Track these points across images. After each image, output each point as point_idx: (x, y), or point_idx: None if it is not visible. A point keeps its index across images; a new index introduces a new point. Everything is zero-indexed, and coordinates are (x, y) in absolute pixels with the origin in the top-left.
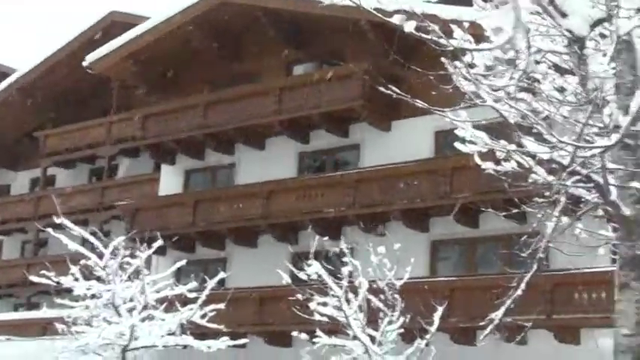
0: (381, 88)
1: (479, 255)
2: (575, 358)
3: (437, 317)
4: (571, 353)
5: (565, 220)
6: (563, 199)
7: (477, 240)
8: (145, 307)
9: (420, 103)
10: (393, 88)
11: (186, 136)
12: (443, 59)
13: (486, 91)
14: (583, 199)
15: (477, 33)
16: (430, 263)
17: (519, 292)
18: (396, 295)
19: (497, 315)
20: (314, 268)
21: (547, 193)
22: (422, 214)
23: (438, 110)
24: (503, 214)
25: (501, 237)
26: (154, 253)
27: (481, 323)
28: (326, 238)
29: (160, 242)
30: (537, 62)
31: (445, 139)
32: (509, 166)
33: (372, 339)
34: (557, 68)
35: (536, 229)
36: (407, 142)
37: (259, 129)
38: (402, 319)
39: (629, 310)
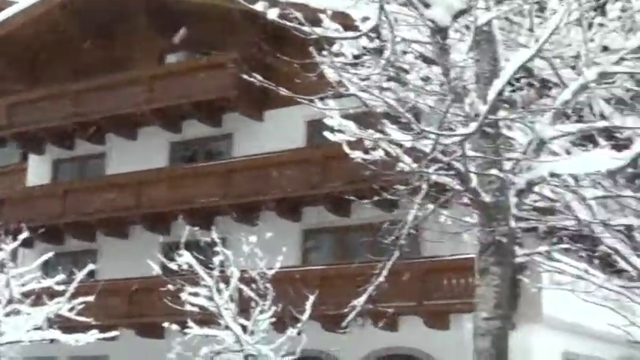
0: (248, 77)
1: (350, 243)
2: (444, 343)
3: (308, 306)
4: (439, 338)
5: (430, 207)
6: (425, 186)
7: (348, 229)
8: (10, 302)
9: (285, 92)
10: (259, 77)
11: (55, 125)
12: (311, 48)
13: (351, 80)
14: (448, 187)
15: (348, 23)
16: (302, 252)
17: (382, 278)
18: (268, 285)
19: (359, 302)
20: (185, 259)
21: (411, 181)
22: (294, 203)
23: (304, 99)
24: (366, 201)
25: (372, 225)
26: (20, 245)
27: (345, 310)
28: (197, 228)
29: (26, 234)
30: (405, 52)
31: (316, 128)
32: (377, 154)
33: (244, 328)
34: (424, 58)
35: (399, 217)
36: (279, 131)
37: (131, 118)
38: (273, 308)
39: (488, 295)
